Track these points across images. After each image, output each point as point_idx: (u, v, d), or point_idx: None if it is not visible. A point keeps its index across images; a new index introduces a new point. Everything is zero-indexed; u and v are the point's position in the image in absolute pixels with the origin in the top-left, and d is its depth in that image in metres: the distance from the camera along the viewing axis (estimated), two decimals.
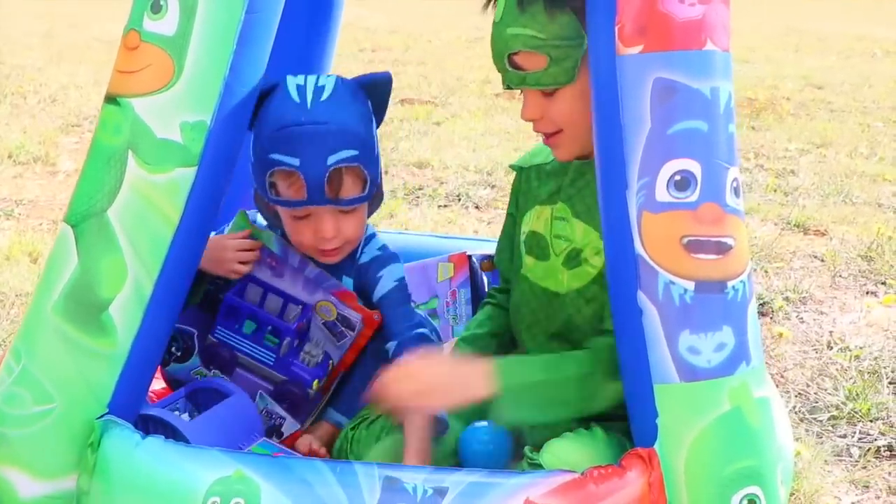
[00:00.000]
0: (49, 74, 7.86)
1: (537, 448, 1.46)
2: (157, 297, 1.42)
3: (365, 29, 12.20)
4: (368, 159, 1.66)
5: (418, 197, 4.24)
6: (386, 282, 1.82)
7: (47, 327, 1.43)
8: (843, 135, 6.22)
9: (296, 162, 1.61)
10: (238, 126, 1.48)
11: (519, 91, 1.60)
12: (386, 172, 4.60)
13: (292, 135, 1.61)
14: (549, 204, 1.67)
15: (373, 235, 1.86)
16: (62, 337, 1.41)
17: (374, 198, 1.75)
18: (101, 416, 1.41)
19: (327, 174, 1.61)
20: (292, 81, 1.66)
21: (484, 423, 1.61)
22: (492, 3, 1.59)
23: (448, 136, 5.74)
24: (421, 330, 1.77)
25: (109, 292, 1.40)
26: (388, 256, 1.84)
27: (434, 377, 1.56)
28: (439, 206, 4.15)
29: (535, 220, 1.69)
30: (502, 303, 1.83)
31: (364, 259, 1.83)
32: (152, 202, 1.40)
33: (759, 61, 10.14)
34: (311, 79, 1.67)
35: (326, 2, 2.11)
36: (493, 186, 4.46)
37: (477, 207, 4.17)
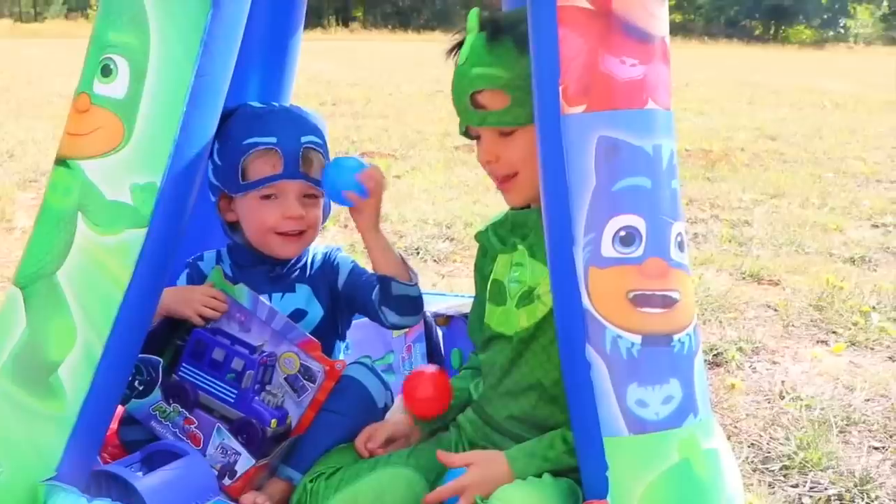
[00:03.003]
0: (6, 130, 7.82)
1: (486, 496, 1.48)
2: (107, 359, 1.42)
3: (326, 82, 12.28)
4: (326, 155, 1.89)
5: None
6: (344, 264, 1.97)
7: None
8: (796, 185, 6.33)
9: (273, 140, 1.81)
10: (189, 186, 1.49)
11: (477, 140, 1.66)
12: (346, 226, 4.62)
13: (269, 118, 1.85)
14: (510, 251, 1.71)
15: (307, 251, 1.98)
16: (9, 400, 1.41)
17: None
18: (47, 480, 1.40)
19: (301, 150, 1.82)
20: (249, 104, 1.91)
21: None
22: (454, 51, 1.66)
23: (408, 189, 5.77)
24: None
25: (58, 354, 1.40)
26: (329, 249, 2.01)
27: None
28: None
29: (498, 268, 1.73)
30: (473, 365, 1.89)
31: (315, 263, 1.97)
32: (102, 264, 1.40)
33: (714, 113, 10.34)
34: None
35: (279, 60, 2.13)
36: (451, 240, 4.47)
37: (436, 261, 4.17)
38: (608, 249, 1.36)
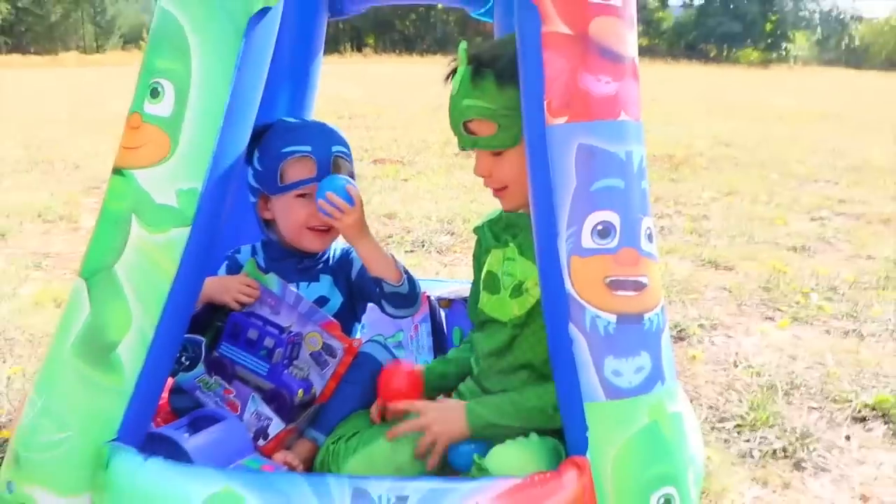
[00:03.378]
0: (74, 144, 7.82)
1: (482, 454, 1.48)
2: (157, 339, 1.41)
3: (344, 100, 12.25)
4: (351, 162, 1.90)
5: (388, 244, 4.24)
6: (357, 259, 1.93)
7: (65, 366, 1.42)
8: (747, 185, 6.31)
9: (308, 148, 1.82)
10: (226, 191, 1.48)
11: (473, 151, 1.65)
12: None
13: (304, 130, 1.86)
14: (503, 247, 1.69)
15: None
16: (77, 374, 1.41)
17: None
18: (110, 441, 1.41)
19: (332, 157, 1.83)
20: (284, 119, 1.92)
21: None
22: (449, 77, 1.65)
23: (414, 190, 5.76)
24: None
25: (117, 336, 1.39)
26: (347, 246, 1.96)
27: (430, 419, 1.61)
28: (406, 252, 4.15)
29: (492, 261, 1.71)
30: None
31: (335, 257, 1.97)
32: (152, 258, 1.40)
33: (677, 124, 10.30)
34: None
35: (302, 81, 2.13)
36: (452, 234, 4.46)
37: (439, 252, 4.17)
38: (587, 241, 1.35)
